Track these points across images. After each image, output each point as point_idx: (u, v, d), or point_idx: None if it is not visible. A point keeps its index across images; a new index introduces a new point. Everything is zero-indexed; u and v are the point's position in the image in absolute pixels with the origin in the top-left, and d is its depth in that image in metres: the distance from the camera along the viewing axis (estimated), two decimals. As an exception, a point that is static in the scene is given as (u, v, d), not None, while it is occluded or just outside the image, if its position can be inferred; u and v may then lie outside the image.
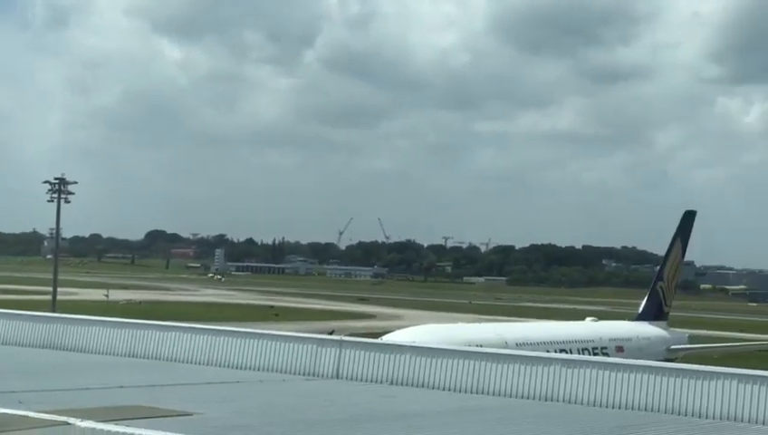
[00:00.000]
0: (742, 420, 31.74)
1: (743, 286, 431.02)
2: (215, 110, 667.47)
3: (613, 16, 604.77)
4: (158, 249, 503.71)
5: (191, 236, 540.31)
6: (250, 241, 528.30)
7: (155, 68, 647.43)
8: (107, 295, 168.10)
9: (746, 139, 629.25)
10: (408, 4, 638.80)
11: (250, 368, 41.19)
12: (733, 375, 32.84)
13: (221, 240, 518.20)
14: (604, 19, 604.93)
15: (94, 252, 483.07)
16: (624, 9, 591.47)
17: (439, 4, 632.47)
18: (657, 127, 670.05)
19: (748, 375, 32.71)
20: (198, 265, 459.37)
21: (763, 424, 31.37)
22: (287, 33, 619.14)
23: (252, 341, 42.13)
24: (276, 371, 40.59)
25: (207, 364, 42.29)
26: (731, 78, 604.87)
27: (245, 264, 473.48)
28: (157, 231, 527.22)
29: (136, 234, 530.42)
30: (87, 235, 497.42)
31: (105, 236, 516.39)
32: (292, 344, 41.21)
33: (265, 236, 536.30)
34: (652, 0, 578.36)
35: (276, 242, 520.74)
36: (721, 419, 32.10)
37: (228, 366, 41.75)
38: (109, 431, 24.00)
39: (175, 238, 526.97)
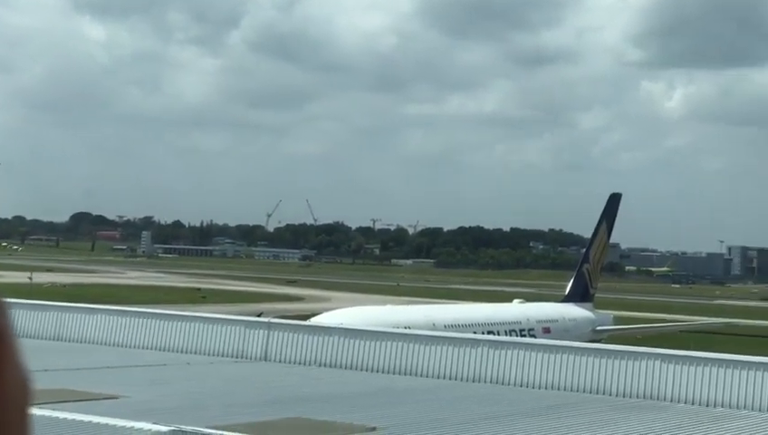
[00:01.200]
0: (665, 399, 32.31)
1: (666, 268, 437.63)
2: (139, 90, 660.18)
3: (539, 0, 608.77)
4: (84, 231, 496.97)
5: (117, 219, 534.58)
6: (177, 223, 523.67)
7: (77, 47, 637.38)
8: (30, 278, 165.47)
9: (669, 122, 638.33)
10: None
11: (177, 350, 40.91)
12: (656, 355, 33.45)
13: (148, 222, 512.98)
14: (530, 2, 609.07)
15: (18, 234, 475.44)
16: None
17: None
18: (582, 110, 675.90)
19: (671, 355, 33.36)
20: (125, 247, 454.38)
21: (686, 403, 31.96)
22: (212, 13, 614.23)
23: (179, 323, 41.83)
24: (204, 353, 40.37)
25: (134, 347, 41.91)
26: (654, 62, 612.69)
27: (173, 246, 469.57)
28: (82, 213, 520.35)
29: (61, 216, 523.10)
30: (10, 217, 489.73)
31: (29, 218, 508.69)
32: (219, 326, 41.00)
33: (193, 219, 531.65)
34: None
35: (204, 224, 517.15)
36: (645, 398, 32.64)
37: (155, 349, 41.41)
38: (34, 415, 23.66)
39: (101, 220, 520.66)
